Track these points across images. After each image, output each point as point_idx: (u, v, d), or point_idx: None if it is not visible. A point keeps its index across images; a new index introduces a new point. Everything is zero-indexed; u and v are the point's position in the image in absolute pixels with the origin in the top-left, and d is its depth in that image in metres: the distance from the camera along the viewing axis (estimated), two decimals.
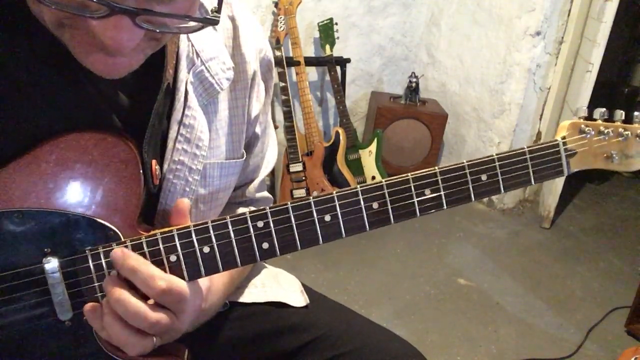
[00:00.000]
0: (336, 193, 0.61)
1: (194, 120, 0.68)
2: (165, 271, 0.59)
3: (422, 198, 0.63)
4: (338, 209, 0.61)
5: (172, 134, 0.68)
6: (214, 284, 0.69)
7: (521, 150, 0.65)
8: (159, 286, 0.56)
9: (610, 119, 0.70)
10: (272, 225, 0.61)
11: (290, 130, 2.50)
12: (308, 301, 0.85)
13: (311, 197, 0.61)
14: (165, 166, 0.68)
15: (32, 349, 0.61)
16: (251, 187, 0.87)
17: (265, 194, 0.91)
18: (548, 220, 2.80)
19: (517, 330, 2.01)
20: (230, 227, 0.60)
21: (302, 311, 0.83)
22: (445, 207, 0.64)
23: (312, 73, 2.91)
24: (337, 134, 2.61)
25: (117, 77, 0.55)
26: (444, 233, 2.67)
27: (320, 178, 2.53)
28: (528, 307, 2.16)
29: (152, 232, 0.61)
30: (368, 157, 2.70)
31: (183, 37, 0.68)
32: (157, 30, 0.51)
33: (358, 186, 0.62)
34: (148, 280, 0.56)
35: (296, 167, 2.53)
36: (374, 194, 0.62)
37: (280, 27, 2.46)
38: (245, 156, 0.80)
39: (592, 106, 0.70)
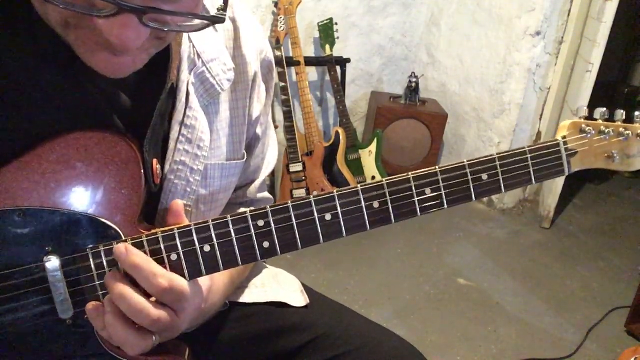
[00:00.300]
0: (337, 192, 0.61)
1: (195, 121, 0.69)
2: (166, 270, 0.59)
3: (423, 197, 0.63)
4: (339, 208, 0.62)
5: (174, 134, 0.68)
6: (214, 284, 0.69)
7: (522, 150, 0.65)
8: (160, 284, 0.56)
9: (610, 118, 0.70)
10: (272, 224, 0.61)
11: (290, 130, 2.50)
12: (308, 301, 0.85)
13: (312, 196, 0.61)
14: (167, 166, 0.68)
15: (32, 347, 0.61)
16: (252, 188, 0.87)
17: (266, 194, 0.91)
18: (548, 220, 2.80)
19: (517, 330, 2.01)
20: (231, 226, 0.60)
21: (302, 311, 0.83)
22: (445, 206, 0.64)
23: (312, 73, 2.91)
24: (337, 134, 2.61)
25: (122, 77, 0.55)
26: (444, 233, 2.67)
27: (320, 178, 2.53)
28: (528, 307, 2.16)
29: (153, 231, 0.61)
30: (368, 157, 2.70)
31: (185, 38, 0.68)
32: (165, 29, 0.51)
33: (359, 185, 0.62)
34: (150, 278, 0.56)
35: (296, 167, 2.53)
36: (375, 193, 0.62)
37: (280, 27, 2.46)
38: (246, 157, 0.80)
39: (592, 106, 0.70)
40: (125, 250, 0.57)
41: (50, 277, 0.58)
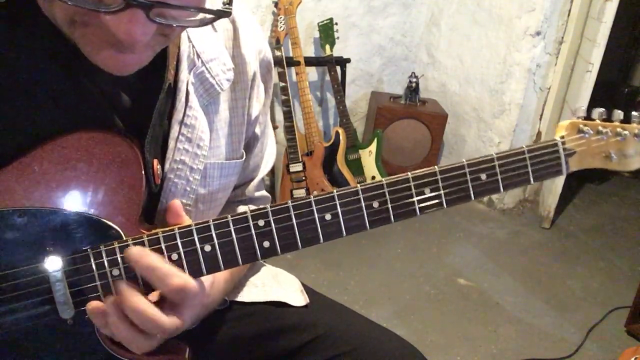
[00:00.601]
0: (337, 192, 0.62)
1: (195, 120, 0.69)
2: None
3: (422, 197, 0.63)
4: (339, 208, 0.62)
5: (174, 133, 0.68)
6: (216, 280, 0.70)
7: (520, 150, 0.66)
8: (175, 283, 0.57)
9: (608, 118, 0.70)
10: (273, 224, 0.61)
11: (290, 130, 2.50)
12: (308, 301, 0.85)
13: (312, 196, 0.61)
14: (167, 166, 0.68)
15: (33, 347, 0.61)
16: (251, 186, 0.87)
17: (264, 192, 0.91)
18: (548, 220, 2.80)
19: (517, 330, 2.01)
20: (231, 226, 0.61)
21: (302, 311, 0.84)
22: (445, 206, 0.64)
23: (312, 73, 2.91)
24: (337, 134, 2.61)
25: (127, 74, 0.55)
26: (444, 233, 2.68)
27: (320, 178, 2.53)
28: (528, 307, 2.16)
29: (153, 231, 0.61)
30: (368, 157, 2.70)
31: (184, 38, 0.68)
32: (174, 25, 0.51)
33: (358, 185, 0.62)
34: (165, 278, 0.57)
35: (296, 167, 2.53)
36: (375, 193, 0.62)
37: (280, 27, 2.46)
38: (244, 157, 0.81)
39: (592, 106, 0.70)
40: (140, 251, 0.58)
41: (51, 277, 0.58)
